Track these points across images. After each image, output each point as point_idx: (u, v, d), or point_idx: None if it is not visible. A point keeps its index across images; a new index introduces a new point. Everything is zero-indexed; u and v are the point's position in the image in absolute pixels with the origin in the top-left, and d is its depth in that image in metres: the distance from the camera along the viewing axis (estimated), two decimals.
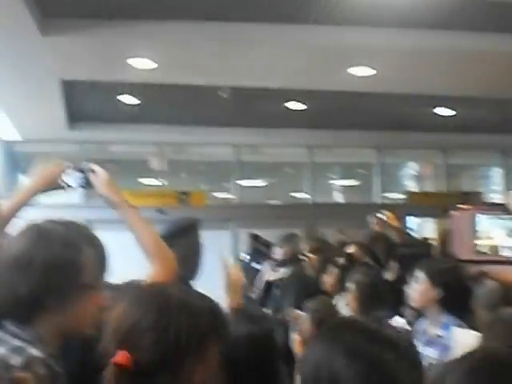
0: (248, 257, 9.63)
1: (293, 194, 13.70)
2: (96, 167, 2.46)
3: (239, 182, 12.88)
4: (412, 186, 14.26)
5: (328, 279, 5.56)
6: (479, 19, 6.80)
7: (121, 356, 1.40)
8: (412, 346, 1.53)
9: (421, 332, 3.50)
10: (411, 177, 14.53)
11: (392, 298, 4.21)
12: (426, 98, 9.69)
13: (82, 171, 2.46)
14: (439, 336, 3.34)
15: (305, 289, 5.18)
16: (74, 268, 1.65)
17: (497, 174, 14.53)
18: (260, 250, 9.24)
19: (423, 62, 7.71)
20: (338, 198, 13.89)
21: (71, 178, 2.45)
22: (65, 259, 1.65)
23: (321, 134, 12.14)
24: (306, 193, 13.14)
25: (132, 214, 2.43)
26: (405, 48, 7.31)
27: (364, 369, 1.24)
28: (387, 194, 13.58)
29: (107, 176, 2.46)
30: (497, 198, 13.84)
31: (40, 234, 1.69)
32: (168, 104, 10.45)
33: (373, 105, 10.36)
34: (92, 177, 2.43)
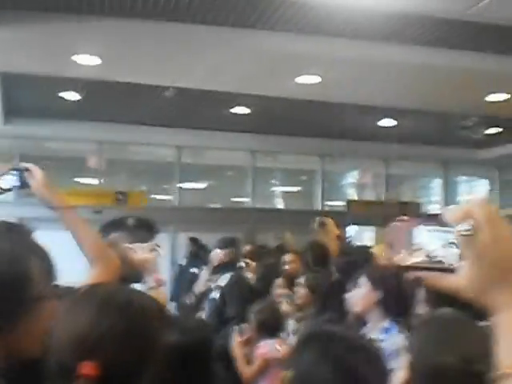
0: (186, 261, 9.66)
1: (234, 199, 13.77)
2: (31, 166, 2.40)
3: (180, 184, 12.87)
4: (353, 195, 14.52)
5: (276, 290, 5.64)
6: (424, 34, 7.01)
7: (88, 367, 1.37)
8: (382, 354, 1.63)
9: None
10: (352, 185, 14.78)
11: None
12: (369, 108, 9.90)
13: (16, 171, 2.40)
14: (379, 340, 3.41)
15: (246, 295, 5.25)
16: (23, 283, 1.59)
17: (437, 185, 14.94)
18: (198, 254, 9.29)
19: (368, 73, 7.89)
20: (280, 203, 14.03)
21: (5, 181, 2.39)
22: (12, 276, 1.59)
23: (264, 139, 12.27)
24: (247, 197, 13.23)
25: (70, 214, 2.40)
26: (351, 58, 7.47)
27: (344, 377, 1.35)
28: (328, 202, 13.79)
29: (43, 175, 2.40)
30: (435, 208, 14.24)
31: None
32: (110, 101, 10.37)
33: (317, 113, 10.55)
34: (27, 176, 2.37)
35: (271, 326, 4.49)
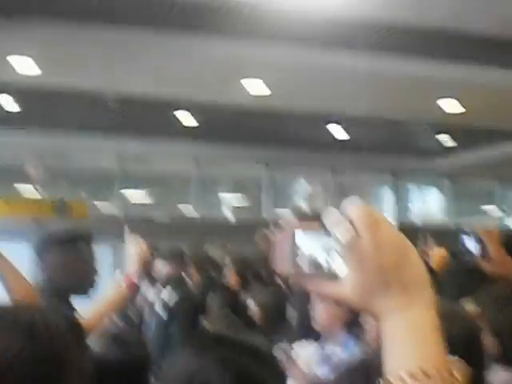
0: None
1: (179, 208, 13.74)
2: None
3: (122, 192, 12.79)
4: (300, 203, 14.60)
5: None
6: (373, 40, 7.14)
7: None
8: (276, 358, 1.68)
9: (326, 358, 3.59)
10: (300, 194, 14.87)
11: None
12: (317, 116, 10.03)
13: None
14: (337, 355, 3.46)
15: (193, 309, 5.25)
16: None
17: (387, 195, 15.17)
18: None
19: (315, 79, 7.99)
20: (227, 213, 14.06)
21: None
22: None
23: (210, 146, 12.30)
24: (192, 207, 13.22)
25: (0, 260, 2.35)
26: (299, 64, 7.55)
27: (234, 379, 1.40)
28: (275, 211, 13.86)
29: None
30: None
31: None
32: (48, 107, 10.26)
33: (264, 120, 10.66)
34: None
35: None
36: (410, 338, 0.88)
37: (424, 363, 0.86)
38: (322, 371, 3.44)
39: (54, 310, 2.72)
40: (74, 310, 3.07)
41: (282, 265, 0.92)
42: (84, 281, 3.25)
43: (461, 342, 1.79)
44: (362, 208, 0.89)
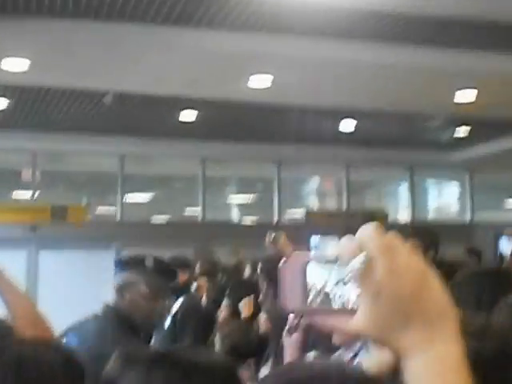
0: None
1: (184, 211, 13.69)
2: None
3: (124, 196, 12.74)
4: (313, 203, 14.56)
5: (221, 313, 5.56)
6: (385, 31, 7.05)
7: None
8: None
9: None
10: (312, 193, 14.83)
11: None
12: (327, 110, 9.94)
13: None
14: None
15: (203, 320, 5.19)
16: None
17: (403, 191, 15.07)
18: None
19: (325, 72, 7.91)
20: (234, 215, 13.99)
21: None
22: None
23: (215, 146, 12.22)
24: (197, 210, 13.15)
25: (2, 282, 2.34)
26: (306, 57, 7.48)
27: None
28: (288, 211, 13.80)
29: None
30: (404, 215, 14.37)
31: None
32: (43, 108, 10.18)
33: (272, 116, 10.54)
34: None
35: (244, 351, 4.37)
36: (436, 379, 0.83)
37: None
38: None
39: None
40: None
41: (292, 302, 0.87)
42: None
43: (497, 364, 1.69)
44: (376, 232, 0.84)
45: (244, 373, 4.36)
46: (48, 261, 11.28)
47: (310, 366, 1.21)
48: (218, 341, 4.46)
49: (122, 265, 2.98)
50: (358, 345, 3.50)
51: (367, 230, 0.85)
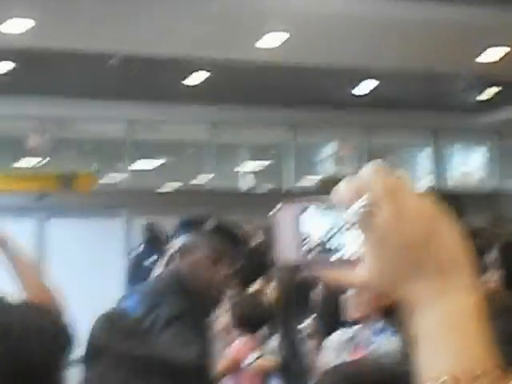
0: (143, 249, 9.59)
1: (194, 177, 13.69)
2: None
3: (133, 163, 12.76)
4: (330, 170, 14.51)
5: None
6: None
7: None
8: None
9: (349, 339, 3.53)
10: (329, 159, 14.77)
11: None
12: (345, 70, 9.85)
13: None
14: (371, 342, 3.42)
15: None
16: None
17: (427, 156, 14.95)
18: (155, 241, 9.21)
19: (342, 29, 7.82)
20: (246, 182, 13.98)
21: None
22: None
23: (226, 110, 12.18)
24: (208, 177, 13.16)
25: (6, 248, 2.38)
26: (322, 12, 7.39)
27: None
28: (302, 179, 13.78)
29: None
30: (427, 181, 14.29)
31: None
32: (48, 72, 10.19)
33: (286, 78, 10.45)
34: None
35: (252, 322, 4.41)
36: (449, 333, 0.77)
37: (470, 363, 0.75)
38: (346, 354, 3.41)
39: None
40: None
41: (286, 252, 0.81)
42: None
43: None
44: (380, 172, 0.78)
45: (250, 341, 4.40)
46: (56, 229, 11.38)
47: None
48: (227, 311, 4.50)
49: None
50: (379, 324, 3.49)
51: (370, 170, 0.80)
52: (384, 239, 0.77)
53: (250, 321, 4.40)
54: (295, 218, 0.81)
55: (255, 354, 4.30)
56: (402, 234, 0.77)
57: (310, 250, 0.80)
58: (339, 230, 0.80)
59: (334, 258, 0.81)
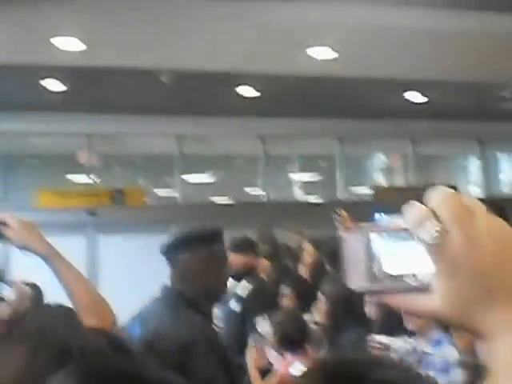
0: None
1: (245, 191, 13.73)
2: (10, 219, 2.37)
3: (183, 177, 12.84)
4: (380, 180, 14.44)
5: (285, 299, 5.56)
6: None
7: None
8: None
9: (410, 351, 3.50)
10: (378, 169, 14.71)
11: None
12: (393, 82, 9.81)
13: None
14: (429, 353, 3.38)
15: (269, 304, 5.21)
16: None
17: (474, 165, 14.80)
18: None
19: (390, 41, 7.80)
20: (297, 194, 13.97)
21: None
22: None
23: (276, 122, 12.19)
24: (259, 189, 13.18)
25: (61, 264, 2.36)
26: (369, 26, 7.38)
27: None
28: (352, 189, 13.73)
29: (26, 226, 2.39)
30: (475, 191, 14.14)
31: None
32: (99, 90, 10.33)
33: (334, 90, 10.44)
34: (4, 230, 2.35)
35: (295, 340, 4.42)
36: None
37: None
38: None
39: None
40: (210, 318, 3.11)
41: (355, 278, 0.81)
42: (218, 288, 3.19)
43: None
44: (449, 196, 0.76)
45: (297, 358, 4.38)
46: (107, 245, 11.48)
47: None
48: (270, 327, 4.50)
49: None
50: (437, 334, 3.44)
51: (439, 194, 0.78)
52: (454, 267, 0.75)
53: (294, 338, 4.41)
54: (363, 243, 0.80)
55: (301, 367, 4.29)
56: (474, 262, 0.74)
57: (378, 277, 0.79)
58: (409, 256, 0.79)
59: (402, 284, 0.79)
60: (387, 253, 0.80)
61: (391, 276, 0.79)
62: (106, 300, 2.44)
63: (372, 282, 0.80)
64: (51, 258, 2.35)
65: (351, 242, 0.82)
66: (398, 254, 0.79)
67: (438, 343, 3.48)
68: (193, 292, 3.01)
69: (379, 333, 3.94)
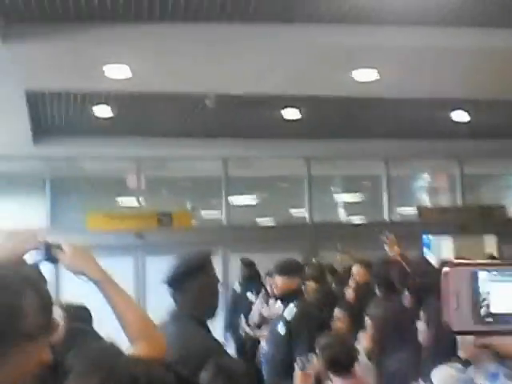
0: (240, 287, 9.65)
1: (290, 212, 13.73)
2: (66, 246, 2.40)
3: (228, 199, 12.91)
4: (425, 200, 14.32)
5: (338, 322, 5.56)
6: (494, 15, 6.88)
7: None
8: None
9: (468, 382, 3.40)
10: (423, 190, 14.59)
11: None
12: (437, 102, 9.76)
13: (43, 246, 2.43)
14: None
15: (316, 327, 5.19)
16: (13, 316, 1.62)
17: None
18: (254, 278, 9.26)
19: (433, 62, 7.76)
20: (342, 215, 13.93)
21: (31, 255, 2.42)
22: (1, 306, 1.61)
23: (320, 144, 12.22)
24: (304, 211, 13.17)
25: (113, 289, 2.36)
26: (412, 47, 7.37)
27: None
28: (397, 210, 13.63)
29: (80, 250, 2.41)
30: None
31: None
32: (146, 115, 10.49)
33: (378, 111, 10.46)
34: (60, 255, 2.38)
35: (343, 363, 4.36)
36: None
37: None
38: None
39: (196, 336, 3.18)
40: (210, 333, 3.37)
41: (458, 318, 0.76)
42: (217, 303, 3.49)
43: None
44: None
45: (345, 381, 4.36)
46: (155, 267, 11.58)
47: None
48: (317, 351, 4.46)
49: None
50: (493, 366, 3.33)
51: None
52: None
53: (342, 362, 4.34)
54: (468, 280, 0.76)
55: None
56: None
57: (485, 317, 0.75)
58: None
59: (508, 326, 0.75)
60: (495, 292, 0.75)
61: (499, 317, 0.75)
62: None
63: (478, 323, 0.76)
64: (103, 283, 2.35)
65: (454, 277, 0.77)
66: (508, 294, 0.75)
67: (494, 376, 3.35)
68: (200, 312, 3.35)
69: (428, 358, 3.89)
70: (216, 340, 3.43)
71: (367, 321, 4.49)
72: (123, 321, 2.31)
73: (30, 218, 11.21)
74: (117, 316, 2.32)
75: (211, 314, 3.46)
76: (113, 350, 1.80)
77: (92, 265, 2.39)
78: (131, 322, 2.32)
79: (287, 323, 5.38)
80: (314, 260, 9.38)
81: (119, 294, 2.36)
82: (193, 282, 3.37)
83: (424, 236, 12.76)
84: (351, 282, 6.39)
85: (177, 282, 3.39)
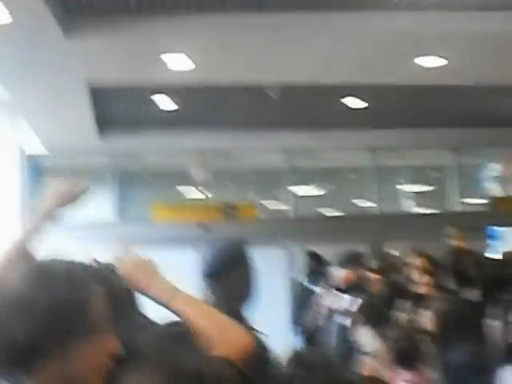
0: (307, 279, 9.57)
1: (355, 203, 13.61)
2: (122, 263, 2.18)
3: (293, 191, 12.86)
4: (494, 190, 14.01)
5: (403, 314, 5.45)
6: None
7: None
8: None
9: None
10: (493, 179, 14.28)
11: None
12: (507, 88, 9.51)
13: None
14: None
15: (380, 320, 5.13)
16: (80, 309, 1.63)
17: None
18: (320, 271, 9.17)
19: (502, 47, 7.55)
20: (408, 206, 13.73)
21: None
22: (69, 299, 1.62)
23: (385, 134, 12.05)
24: (371, 202, 13.03)
25: (183, 306, 2.11)
26: (480, 33, 7.18)
27: None
28: (466, 200, 13.37)
29: (142, 266, 2.16)
30: None
31: (40, 272, 1.68)
32: (210, 106, 10.51)
33: (445, 99, 10.24)
34: (119, 270, 2.17)
35: (409, 358, 4.31)
36: None
37: None
38: None
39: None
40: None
41: None
42: (252, 293, 3.41)
43: None
44: None
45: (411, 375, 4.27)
46: None
47: None
48: (382, 343, 4.40)
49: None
50: None
51: None
52: None
53: (409, 356, 4.29)
54: None
55: None
56: None
57: None
58: None
59: None
60: None
61: None
62: (236, 326, 2.18)
63: None
64: (170, 302, 2.12)
65: None
66: None
67: None
68: (239, 305, 3.27)
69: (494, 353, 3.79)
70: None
71: (427, 313, 4.39)
72: (200, 331, 2.09)
73: (98, 213, 11.35)
74: (192, 327, 2.10)
75: (246, 304, 3.39)
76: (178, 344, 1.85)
77: (156, 283, 2.15)
78: (209, 332, 2.08)
79: (351, 314, 5.33)
80: (379, 251, 9.24)
81: (191, 307, 2.14)
82: (232, 273, 3.31)
83: (491, 227, 12.43)
84: (415, 274, 6.25)
85: (217, 273, 3.31)
